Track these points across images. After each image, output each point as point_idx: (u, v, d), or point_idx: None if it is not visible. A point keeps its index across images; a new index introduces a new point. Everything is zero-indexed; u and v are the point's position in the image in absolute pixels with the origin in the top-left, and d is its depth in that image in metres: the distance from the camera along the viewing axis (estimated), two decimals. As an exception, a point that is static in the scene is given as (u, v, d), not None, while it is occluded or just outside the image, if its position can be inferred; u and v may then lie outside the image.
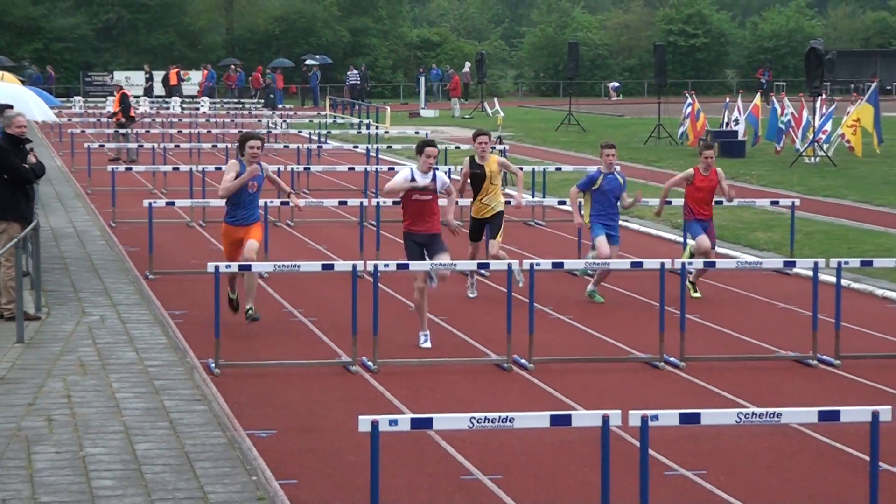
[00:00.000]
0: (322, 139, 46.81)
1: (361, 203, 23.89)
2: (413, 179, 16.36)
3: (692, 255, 19.59)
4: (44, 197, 28.83)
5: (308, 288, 19.96)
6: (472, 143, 19.82)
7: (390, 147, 42.24)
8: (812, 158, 40.60)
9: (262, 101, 70.79)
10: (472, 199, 19.72)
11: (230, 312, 17.08)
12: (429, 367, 15.44)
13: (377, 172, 31.79)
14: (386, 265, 16.11)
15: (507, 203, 20.23)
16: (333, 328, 17.15)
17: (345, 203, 25.77)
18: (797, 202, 23.43)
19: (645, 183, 34.99)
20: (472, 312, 18.57)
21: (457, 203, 18.08)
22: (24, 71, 70.86)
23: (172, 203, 25.19)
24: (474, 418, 8.97)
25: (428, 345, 16.23)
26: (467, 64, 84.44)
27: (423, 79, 76.68)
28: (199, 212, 27.14)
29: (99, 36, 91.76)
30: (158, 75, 80.00)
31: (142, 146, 40.51)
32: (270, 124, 52.56)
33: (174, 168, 32.33)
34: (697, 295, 19.24)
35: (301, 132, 50.28)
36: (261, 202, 22.90)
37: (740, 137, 44.44)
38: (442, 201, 16.87)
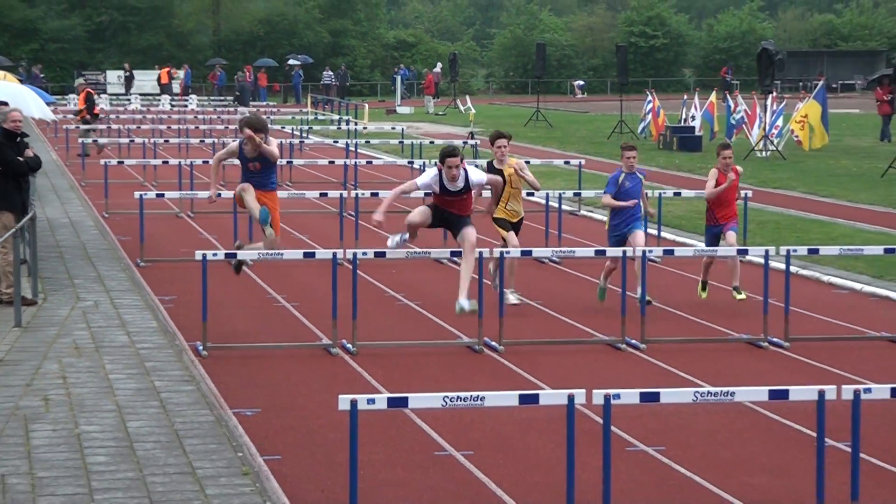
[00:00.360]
0: (304, 135, 46.77)
1: (341, 195, 23.89)
2: (443, 186, 14.92)
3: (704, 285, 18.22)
4: (40, 189, 28.70)
5: (291, 275, 19.93)
6: (491, 146, 18.04)
7: (368, 142, 42.19)
8: (763, 152, 40.74)
9: (234, 98, 71.05)
10: (494, 205, 17.67)
11: (233, 274, 17.39)
12: (405, 350, 15.43)
13: (356, 166, 31.84)
14: (364, 253, 16.09)
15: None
16: (315, 313, 17.13)
17: (325, 195, 25.73)
18: (749, 194, 23.46)
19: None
20: (446, 298, 18.55)
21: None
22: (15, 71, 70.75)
23: (162, 195, 25.10)
24: (447, 397, 8.99)
25: (465, 305, 14.91)
26: (438, 64, 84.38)
27: (399, 77, 76.66)
28: (187, 203, 27.09)
29: (92, 37, 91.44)
30: (142, 74, 80.00)
31: (133, 141, 40.40)
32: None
33: (164, 162, 32.26)
34: (742, 297, 17.46)
35: (284, 128, 50.30)
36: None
37: (697, 133, 44.57)
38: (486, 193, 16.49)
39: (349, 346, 15.22)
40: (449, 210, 15.07)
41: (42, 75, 77.30)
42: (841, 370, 14.42)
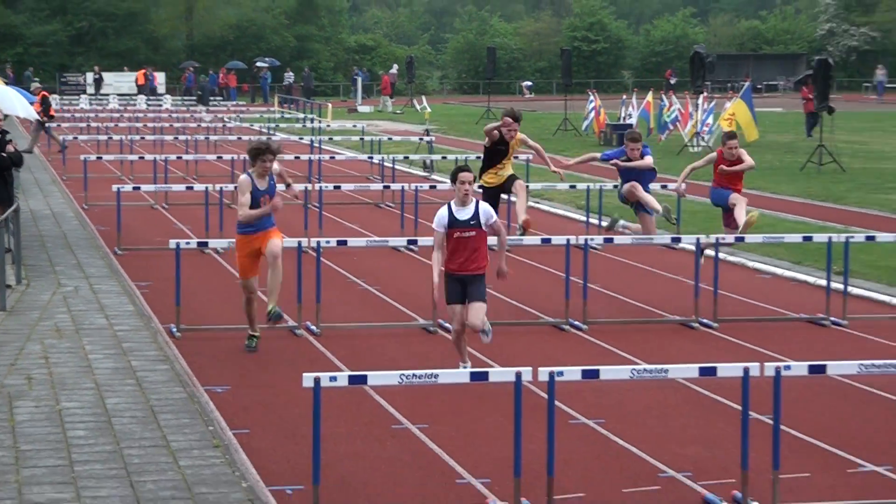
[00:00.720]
0: (271, 132, 46.66)
1: (306, 188, 23.78)
2: (451, 215, 12.73)
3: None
4: (24, 183, 28.53)
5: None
6: (502, 126, 18.04)
7: (331, 139, 42.11)
8: (695, 148, 40.91)
9: (196, 98, 71.04)
10: (482, 170, 18.14)
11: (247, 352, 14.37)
12: (365, 331, 15.42)
13: (320, 161, 31.84)
14: (327, 242, 16.06)
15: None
16: (281, 297, 17.02)
17: (290, 186, 25.59)
18: (684, 186, 23.47)
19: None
20: (403, 282, 18.54)
21: (506, 249, 13.74)
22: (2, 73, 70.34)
23: (138, 188, 24.97)
24: (404, 375, 8.99)
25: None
26: (395, 66, 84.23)
27: (359, 79, 76.54)
28: (162, 195, 26.94)
29: (73, 41, 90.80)
30: (120, 76, 79.77)
31: (111, 138, 40.17)
32: (211, 118, 52.47)
33: (140, 157, 32.09)
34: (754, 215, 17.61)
35: (253, 125, 50.15)
36: (214, 187, 22.96)
37: (635, 129, 44.63)
38: (492, 240, 13.21)
39: (313, 327, 15.19)
40: (461, 256, 12.71)
41: (13, 76, 76.84)
42: (764, 349, 14.48)
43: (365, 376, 9.23)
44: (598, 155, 18.85)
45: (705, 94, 43.26)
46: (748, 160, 17.66)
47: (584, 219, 23.90)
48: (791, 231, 21.67)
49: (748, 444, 9.21)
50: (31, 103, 28.88)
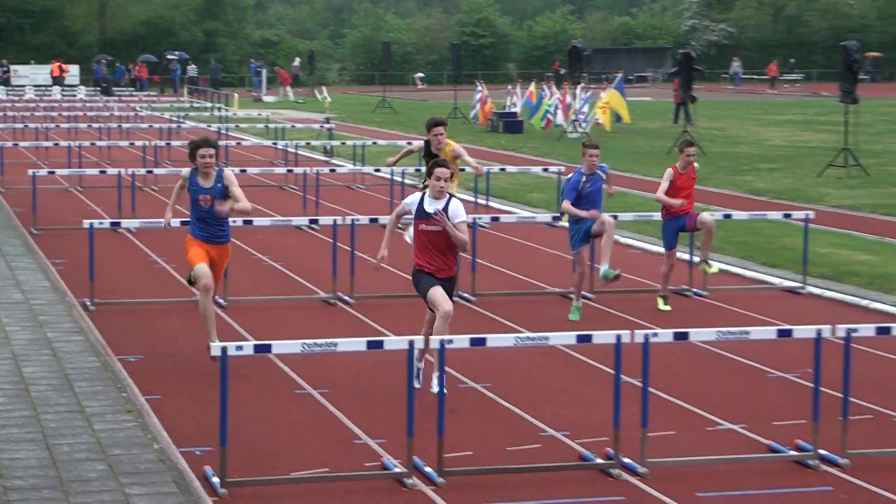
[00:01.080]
0: (180, 120, 46.22)
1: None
2: (420, 204, 11.24)
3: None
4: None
5: (169, 240, 19.56)
6: (428, 133, 15.61)
7: (238, 126, 41.73)
8: (574, 134, 41.15)
9: (100, 89, 70.57)
10: (424, 185, 14.84)
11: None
12: (269, 304, 15.31)
13: (227, 147, 31.50)
14: (234, 221, 15.88)
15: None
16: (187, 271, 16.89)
17: (199, 171, 25.38)
18: (562, 168, 23.67)
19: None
20: (305, 258, 18.44)
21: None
22: None
23: (53, 172, 24.57)
24: (305, 343, 8.94)
25: (433, 390, 10.94)
26: (297, 59, 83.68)
27: (264, 71, 75.97)
28: (76, 179, 26.54)
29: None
30: (38, 69, 78.58)
31: (27, 126, 39.51)
32: (108, 106, 52.05)
33: (55, 144, 31.58)
34: (668, 308, 15.06)
35: (164, 114, 49.63)
36: (127, 171, 22.67)
37: (519, 118, 44.88)
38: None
39: (221, 300, 15.04)
40: (431, 255, 11.29)
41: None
42: (635, 318, 14.61)
43: (269, 345, 9.16)
44: (565, 204, 14.57)
45: (583, 84, 43.54)
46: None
47: (472, 199, 23.94)
48: (659, 210, 21.83)
49: (620, 405, 9.29)
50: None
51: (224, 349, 8.67)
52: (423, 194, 11.38)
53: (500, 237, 20.75)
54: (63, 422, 9.97)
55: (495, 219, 19.06)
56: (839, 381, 9.62)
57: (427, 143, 15.83)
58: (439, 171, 11.25)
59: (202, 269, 11.85)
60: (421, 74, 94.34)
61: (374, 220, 17.31)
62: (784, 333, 9.96)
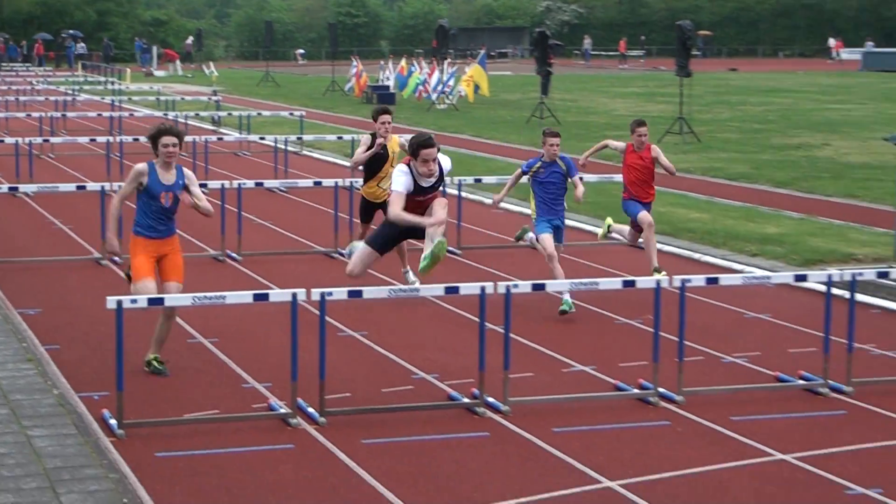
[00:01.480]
0: (75, 93, 45.25)
1: (108, 140, 23.20)
2: (416, 183, 10.63)
3: (609, 229, 14.30)
4: None
5: (66, 203, 19.18)
6: (374, 123, 13.35)
7: (130, 99, 40.93)
8: (441, 105, 41.16)
9: None
10: (364, 181, 13.57)
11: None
12: (162, 261, 15.06)
13: (120, 118, 31.03)
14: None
15: None
16: (86, 233, 16.56)
17: (94, 140, 24.87)
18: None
19: (324, 123, 34.85)
20: (198, 220, 18.14)
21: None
22: None
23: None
24: (196, 297, 8.83)
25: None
26: (190, 38, 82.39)
27: (155, 48, 74.67)
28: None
29: None
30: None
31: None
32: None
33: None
34: (663, 275, 12.26)
35: (59, 87, 48.54)
36: (24, 140, 22.11)
37: (391, 90, 44.72)
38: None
39: (116, 259, 14.78)
40: (416, 213, 10.66)
41: None
42: (499, 271, 14.69)
43: (162, 298, 9.02)
44: (519, 170, 13.09)
45: (449, 60, 43.50)
46: (666, 162, 13.67)
47: (349, 164, 23.81)
48: (509, 171, 21.97)
49: (484, 350, 9.34)
50: None
51: (119, 302, 8.52)
52: (409, 168, 10.45)
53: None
54: (-32, 372, 9.73)
55: (317, 182, 19.03)
56: (676, 327, 9.79)
57: (372, 135, 13.39)
58: (426, 152, 9.98)
59: (144, 287, 9.84)
60: (301, 51, 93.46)
61: (259, 185, 17.18)
62: (628, 284, 10.10)
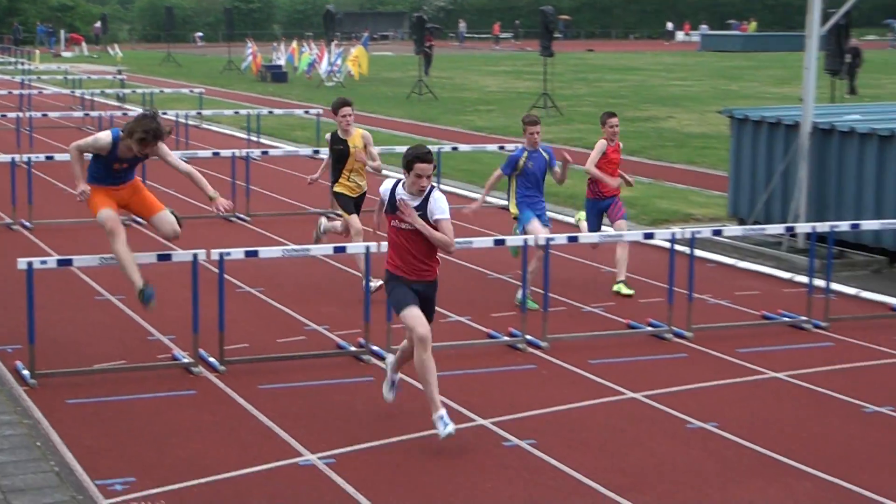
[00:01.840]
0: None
1: (18, 115, 22.54)
2: (391, 197, 7.54)
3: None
4: None
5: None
6: (335, 116, 11.29)
7: (39, 77, 39.76)
8: (330, 83, 40.82)
9: None
10: (335, 179, 11.44)
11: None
12: (71, 226, 14.70)
13: (30, 95, 30.22)
14: (37, 157, 15.23)
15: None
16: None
17: (5, 116, 24.10)
18: (321, 111, 23.48)
19: (222, 100, 34.29)
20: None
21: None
22: None
23: None
24: (103, 258, 8.66)
25: (451, 429, 7.31)
26: (98, 22, 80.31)
27: (63, 31, 72.74)
28: None
29: None
30: None
31: None
32: None
33: None
34: (630, 292, 11.49)
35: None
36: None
37: (283, 70, 44.22)
38: None
39: (27, 223, 14.38)
40: (407, 256, 7.47)
41: None
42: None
43: (71, 259, 8.81)
44: (499, 171, 11.21)
45: (336, 42, 43.14)
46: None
47: (245, 136, 23.51)
48: (400, 143, 21.87)
49: (370, 303, 9.33)
50: None
51: (30, 263, 8.32)
52: (398, 182, 7.58)
53: (269, 167, 20.45)
54: None
55: (265, 152, 18.78)
56: (542, 280, 9.86)
57: (333, 133, 11.48)
58: (421, 167, 7.37)
59: (107, 213, 8.76)
60: (200, 34, 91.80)
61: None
62: (499, 242, 10.14)
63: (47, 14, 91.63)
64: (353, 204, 11.39)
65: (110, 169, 8.76)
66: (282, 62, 45.44)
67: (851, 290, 11.77)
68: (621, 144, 11.99)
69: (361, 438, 7.60)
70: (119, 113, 25.65)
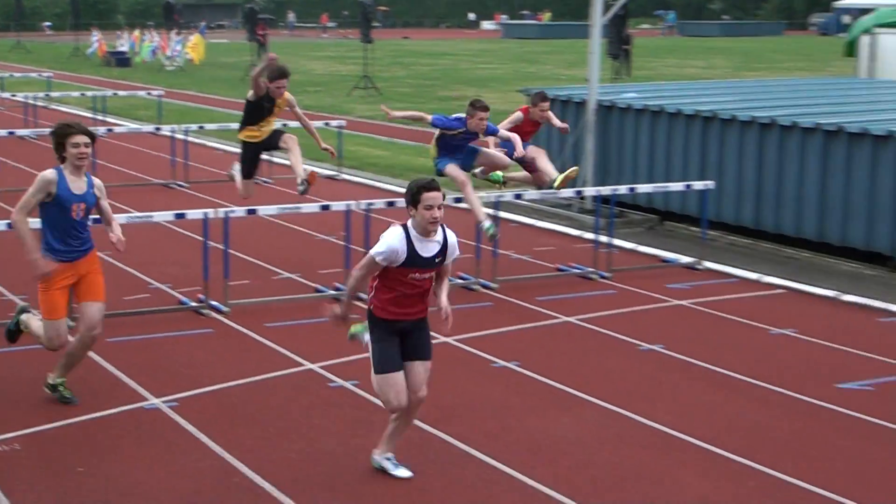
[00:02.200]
0: None
1: None
2: (411, 250, 5.61)
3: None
4: None
5: None
6: (270, 83, 10.05)
7: None
8: (171, 67, 39.61)
9: None
10: (242, 126, 10.44)
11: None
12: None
13: None
14: None
15: None
16: None
17: None
18: (162, 93, 22.71)
19: (70, 83, 32.79)
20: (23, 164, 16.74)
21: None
22: None
23: None
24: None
25: (403, 473, 5.99)
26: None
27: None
28: None
29: None
30: None
31: None
32: None
33: None
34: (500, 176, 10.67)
35: None
36: None
37: (126, 56, 42.70)
38: None
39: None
40: (408, 301, 5.79)
41: None
42: (220, 199, 14.27)
43: None
44: (429, 118, 9.71)
45: (177, 30, 41.89)
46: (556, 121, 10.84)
47: (92, 116, 22.57)
48: (235, 122, 21.45)
49: (208, 262, 9.12)
50: None
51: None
52: (406, 232, 5.63)
53: (115, 144, 19.68)
54: None
55: (110, 130, 18.06)
56: (362, 241, 9.79)
57: (264, 95, 10.23)
58: (429, 196, 5.53)
59: (56, 329, 6.75)
60: (48, 23, 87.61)
61: (11, 133, 16.00)
62: (325, 207, 10.03)
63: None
64: (259, 151, 10.43)
65: (67, 219, 6.59)
66: (125, 49, 43.88)
67: (630, 245, 12.15)
68: (551, 116, 10.56)
69: (203, 383, 7.42)
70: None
